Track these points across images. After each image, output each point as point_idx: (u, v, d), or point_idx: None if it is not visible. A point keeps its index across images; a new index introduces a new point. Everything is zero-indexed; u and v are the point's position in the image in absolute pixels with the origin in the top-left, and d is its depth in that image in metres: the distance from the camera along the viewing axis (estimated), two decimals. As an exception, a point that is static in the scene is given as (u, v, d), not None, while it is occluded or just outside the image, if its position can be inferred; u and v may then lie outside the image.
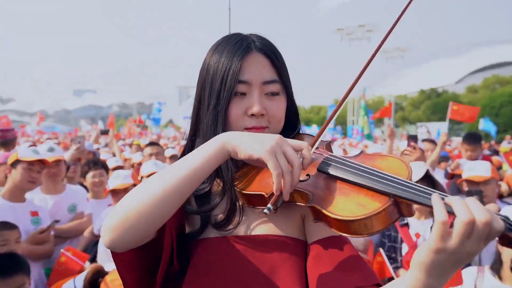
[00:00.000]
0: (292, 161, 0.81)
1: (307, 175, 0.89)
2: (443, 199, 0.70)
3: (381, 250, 2.56)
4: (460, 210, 0.67)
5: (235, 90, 0.95)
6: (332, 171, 0.87)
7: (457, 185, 3.54)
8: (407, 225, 2.74)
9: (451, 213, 0.69)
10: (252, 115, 0.96)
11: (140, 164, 4.90)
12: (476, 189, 2.77)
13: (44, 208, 2.96)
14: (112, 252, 0.89)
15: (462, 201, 0.69)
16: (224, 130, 0.95)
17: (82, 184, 3.99)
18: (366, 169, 0.84)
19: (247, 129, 0.97)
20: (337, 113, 1.02)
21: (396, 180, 0.79)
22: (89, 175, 3.79)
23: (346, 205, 0.80)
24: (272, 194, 0.84)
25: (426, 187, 0.77)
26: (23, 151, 2.85)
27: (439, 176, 4.29)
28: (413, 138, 3.53)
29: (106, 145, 8.70)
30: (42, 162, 2.82)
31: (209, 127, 0.97)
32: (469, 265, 2.39)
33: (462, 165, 4.02)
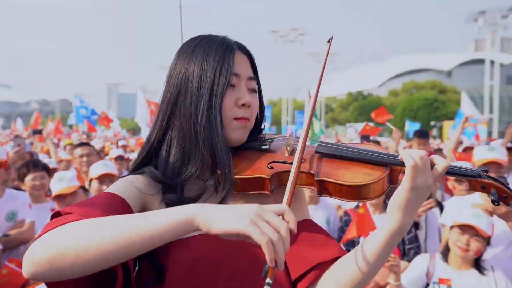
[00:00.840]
0: (278, 227, 0.75)
1: (304, 159, 0.97)
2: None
3: (341, 246, 2.63)
4: (405, 158, 0.89)
5: (230, 82, 0.99)
6: (329, 151, 0.99)
7: None
8: None
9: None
10: (243, 105, 1.01)
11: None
12: None
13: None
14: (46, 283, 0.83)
15: (406, 152, 0.90)
16: (221, 121, 0.97)
17: (18, 188, 3.54)
18: (358, 149, 0.98)
19: (237, 119, 1.01)
20: (309, 118, 1.06)
21: (383, 153, 0.95)
22: (28, 178, 3.36)
23: (354, 175, 0.93)
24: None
25: (393, 155, 0.96)
26: None
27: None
28: (365, 138, 3.73)
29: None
30: None
31: (201, 120, 0.97)
32: (417, 253, 2.67)
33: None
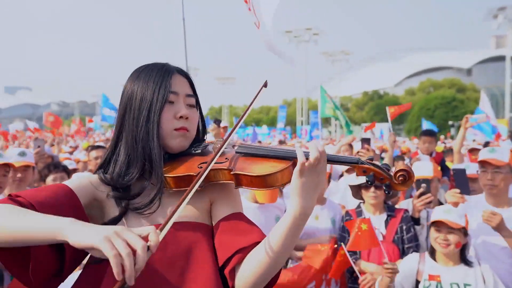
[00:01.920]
0: (134, 245, 0.83)
1: (226, 158, 1.15)
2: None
3: (342, 244, 2.76)
4: (298, 150, 1.04)
5: (168, 99, 1.17)
6: (245, 150, 1.17)
7: None
8: None
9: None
10: (181, 117, 1.18)
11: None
12: (424, 178, 3.07)
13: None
14: None
15: (301, 150, 1.04)
16: (158, 131, 1.15)
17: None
18: (267, 147, 1.18)
19: (176, 129, 1.18)
20: (240, 123, 1.22)
21: (289, 149, 1.11)
22: (50, 178, 3.58)
23: (263, 167, 1.09)
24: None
25: (305, 151, 1.08)
26: None
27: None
28: (366, 141, 3.83)
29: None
30: (7, 166, 2.65)
31: (141, 130, 1.15)
32: (416, 251, 2.76)
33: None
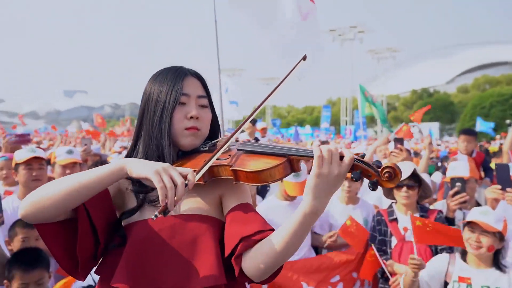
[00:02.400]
0: (176, 181, 1.05)
1: (229, 155, 1.23)
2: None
3: (372, 245, 2.75)
4: (314, 150, 1.07)
5: (179, 100, 1.26)
6: (246, 148, 1.24)
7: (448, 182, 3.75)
8: (396, 220, 2.92)
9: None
10: (191, 117, 1.27)
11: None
12: (459, 177, 2.98)
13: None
14: (34, 224, 1.14)
15: (317, 147, 1.08)
16: (169, 130, 1.26)
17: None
18: (268, 145, 1.23)
19: (187, 128, 1.27)
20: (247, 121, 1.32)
21: (288, 147, 1.18)
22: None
23: (257, 164, 1.16)
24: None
25: (305, 148, 1.16)
26: (19, 153, 2.91)
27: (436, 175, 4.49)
28: (399, 141, 3.76)
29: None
30: (39, 159, 2.86)
31: (155, 128, 1.26)
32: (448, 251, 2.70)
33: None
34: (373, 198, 3.85)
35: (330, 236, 3.14)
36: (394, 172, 1.05)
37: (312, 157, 1.08)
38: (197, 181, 1.13)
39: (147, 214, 1.23)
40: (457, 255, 2.45)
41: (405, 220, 2.90)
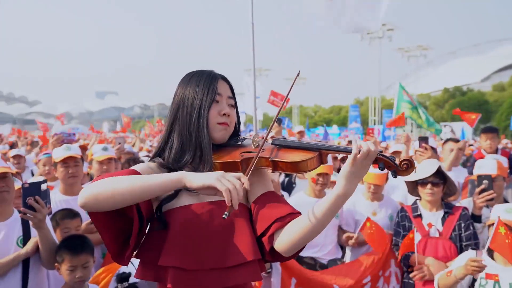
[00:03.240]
0: (235, 183, 1.20)
1: (263, 149, 1.39)
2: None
3: (415, 230, 2.80)
4: (353, 147, 1.26)
5: (215, 98, 1.43)
6: (282, 143, 1.43)
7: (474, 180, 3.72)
8: (420, 216, 2.94)
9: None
10: (224, 114, 1.44)
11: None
12: (486, 174, 2.97)
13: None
14: (88, 212, 1.29)
15: (356, 143, 1.26)
16: (207, 125, 1.41)
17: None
18: (300, 141, 1.43)
19: (219, 123, 1.43)
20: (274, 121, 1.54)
21: (316, 143, 1.40)
22: (131, 171, 4.09)
23: (295, 156, 1.35)
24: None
25: (337, 145, 1.43)
26: (56, 152, 3.11)
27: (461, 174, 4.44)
28: (424, 140, 3.79)
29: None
30: (75, 157, 3.05)
31: (193, 122, 1.40)
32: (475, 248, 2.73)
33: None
34: (399, 196, 3.87)
35: (348, 237, 3.23)
36: (410, 162, 1.30)
37: (346, 151, 1.31)
38: (239, 171, 1.34)
39: (185, 200, 1.37)
40: (484, 252, 2.44)
41: (429, 216, 2.93)
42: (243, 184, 1.22)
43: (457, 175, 4.02)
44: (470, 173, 4.49)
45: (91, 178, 4.05)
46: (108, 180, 1.26)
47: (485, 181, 2.91)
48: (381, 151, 1.34)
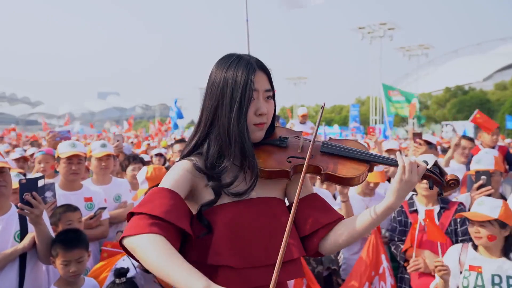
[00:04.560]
0: None
1: (312, 155, 1.34)
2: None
3: (419, 222, 2.80)
4: (399, 160, 1.32)
5: (252, 95, 1.31)
6: (330, 151, 1.37)
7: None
8: (416, 211, 2.96)
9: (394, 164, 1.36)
10: (260, 114, 1.33)
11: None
12: (484, 170, 2.98)
13: (99, 195, 3.25)
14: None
15: (401, 157, 1.33)
16: (247, 129, 1.31)
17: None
18: (349, 149, 1.37)
19: (256, 124, 1.33)
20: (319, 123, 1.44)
21: (366, 153, 1.36)
22: (129, 169, 4.12)
23: (348, 170, 1.33)
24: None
25: (386, 157, 1.38)
26: (61, 147, 3.15)
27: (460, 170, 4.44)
28: (417, 135, 3.85)
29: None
30: (78, 156, 3.10)
31: (233, 123, 1.28)
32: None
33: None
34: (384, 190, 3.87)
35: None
36: (457, 182, 1.36)
37: (395, 165, 1.33)
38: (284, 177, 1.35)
39: (224, 199, 1.31)
40: (470, 245, 2.48)
41: (425, 211, 2.93)
42: None
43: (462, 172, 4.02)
44: (469, 169, 4.50)
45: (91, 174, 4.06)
46: (141, 245, 1.11)
47: (483, 177, 2.92)
48: (435, 164, 1.39)
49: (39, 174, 2.61)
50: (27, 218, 2.21)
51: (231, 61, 1.34)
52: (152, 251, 1.10)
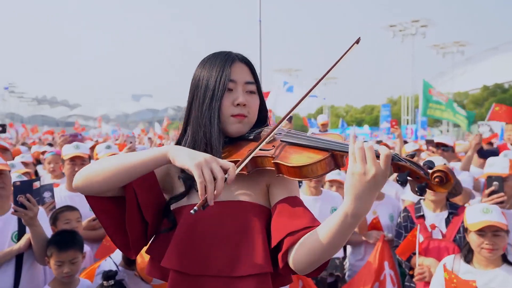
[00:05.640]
0: (216, 174, 1.04)
1: (273, 146, 1.20)
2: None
3: (419, 226, 2.63)
4: (350, 145, 1.02)
5: (227, 86, 1.24)
6: (289, 139, 1.19)
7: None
8: (423, 216, 2.80)
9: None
10: (238, 104, 1.25)
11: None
12: (497, 176, 2.78)
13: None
14: (86, 198, 1.22)
15: (353, 141, 1.02)
16: (218, 117, 1.24)
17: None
18: (313, 137, 1.17)
19: (233, 115, 1.25)
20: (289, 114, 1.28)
21: (333, 141, 1.12)
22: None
23: (300, 158, 1.12)
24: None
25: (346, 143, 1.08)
26: (65, 149, 3.24)
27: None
28: (430, 143, 3.74)
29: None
30: (81, 157, 3.17)
31: (205, 114, 1.24)
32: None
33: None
34: (391, 192, 3.70)
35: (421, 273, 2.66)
36: (446, 176, 0.94)
37: (342, 152, 1.07)
38: (240, 171, 1.14)
39: (196, 199, 1.22)
40: (460, 258, 2.30)
41: (432, 217, 2.79)
42: (226, 177, 1.04)
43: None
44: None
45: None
46: (99, 161, 1.20)
47: (495, 183, 2.73)
48: (412, 154, 1.02)
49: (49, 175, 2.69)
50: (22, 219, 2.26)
51: (210, 56, 1.31)
52: (110, 158, 1.18)
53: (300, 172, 1.11)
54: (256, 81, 1.31)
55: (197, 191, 1.17)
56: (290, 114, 1.36)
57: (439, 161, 2.78)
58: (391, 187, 3.83)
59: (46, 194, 2.64)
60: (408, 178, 0.98)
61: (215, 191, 1.03)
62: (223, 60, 1.27)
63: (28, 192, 2.21)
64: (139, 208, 1.22)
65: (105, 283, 2.26)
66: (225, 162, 1.08)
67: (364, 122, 49.30)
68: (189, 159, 1.06)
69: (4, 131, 4.41)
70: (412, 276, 2.73)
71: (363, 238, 3.07)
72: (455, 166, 3.87)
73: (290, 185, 1.26)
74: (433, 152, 3.57)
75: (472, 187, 3.45)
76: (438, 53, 45.57)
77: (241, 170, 1.16)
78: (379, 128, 30.84)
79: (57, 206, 2.87)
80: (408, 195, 3.46)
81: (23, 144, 8.28)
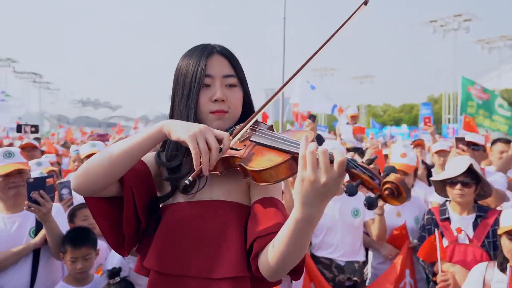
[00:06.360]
0: (211, 145, 1.03)
1: (244, 145, 1.14)
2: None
3: (436, 231, 2.48)
4: (300, 147, 0.93)
5: (203, 82, 1.20)
6: (256, 139, 1.13)
7: None
8: (448, 219, 2.61)
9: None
10: (216, 100, 1.20)
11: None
12: None
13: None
14: (84, 197, 1.18)
15: (304, 142, 0.93)
16: (195, 115, 1.20)
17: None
18: (279, 137, 1.09)
19: (212, 112, 1.21)
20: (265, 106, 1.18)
21: (296, 142, 1.03)
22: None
23: (261, 161, 1.05)
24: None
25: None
26: (83, 148, 3.34)
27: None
28: (460, 140, 3.51)
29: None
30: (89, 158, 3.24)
31: (183, 112, 1.21)
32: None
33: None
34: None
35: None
36: (397, 189, 0.84)
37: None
38: (213, 172, 1.10)
39: (179, 198, 1.21)
40: (495, 265, 2.13)
41: (459, 220, 2.60)
42: (221, 148, 1.03)
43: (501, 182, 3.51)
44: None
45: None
46: (95, 155, 1.16)
47: None
48: (373, 158, 0.93)
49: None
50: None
51: (190, 50, 1.26)
52: (105, 150, 1.14)
53: (259, 176, 1.04)
54: (238, 73, 1.24)
55: (182, 190, 1.18)
56: (312, 114, 1.26)
57: (464, 161, 2.58)
58: (419, 188, 3.64)
59: (64, 191, 2.71)
60: (368, 189, 0.89)
61: (210, 162, 1.03)
62: (199, 54, 1.22)
63: (41, 188, 2.26)
64: (135, 208, 1.21)
65: (111, 281, 2.27)
66: (220, 132, 1.07)
67: (402, 121, 47.69)
68: (183, 131, 1.04)
69: (37, 131, 4.61)
70: (435, 282, 2.55)
71: (376, 246, 2.93)
72: (487, 168, 3.60)
73: (271, 187, 1.17)
74: (463, 150, 3.33)
75: (506, 188, 3.19)
76: (484, 49, 43.31)
77: (214, 170, 1.13)
78: (419, 127, 29.76)
79: (75, 203, 2.95)
80: (435, 197, 3.25)
81: (64, 144, 8.71)
